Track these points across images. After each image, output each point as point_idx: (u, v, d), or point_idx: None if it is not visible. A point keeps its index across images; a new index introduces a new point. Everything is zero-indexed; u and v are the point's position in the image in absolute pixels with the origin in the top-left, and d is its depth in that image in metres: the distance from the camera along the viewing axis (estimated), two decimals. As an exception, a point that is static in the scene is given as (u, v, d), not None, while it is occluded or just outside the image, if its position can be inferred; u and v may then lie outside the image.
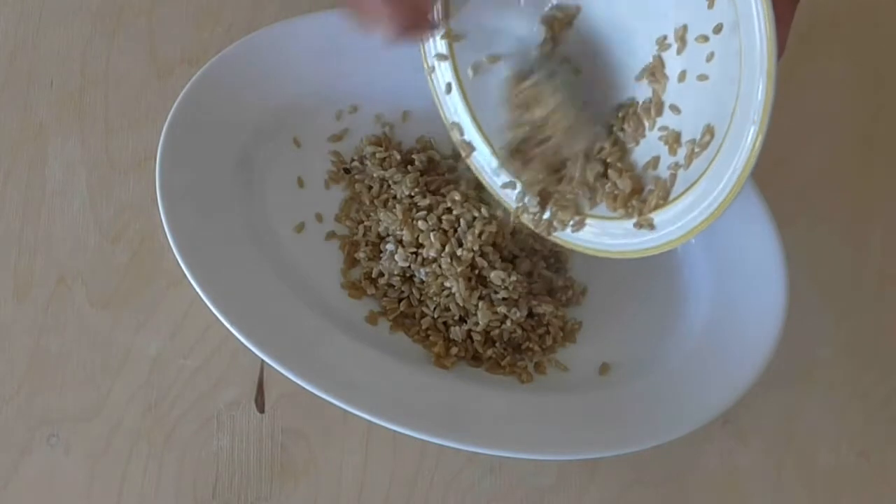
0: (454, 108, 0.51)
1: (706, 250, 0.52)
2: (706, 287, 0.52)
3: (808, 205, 0.56)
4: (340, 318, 0.50)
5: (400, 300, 0.51)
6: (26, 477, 0.49)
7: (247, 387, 0.51)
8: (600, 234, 0.47)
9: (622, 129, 0.45)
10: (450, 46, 0.49)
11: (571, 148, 0.46)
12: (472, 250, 0.50)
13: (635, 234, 0.45)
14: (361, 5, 0.42)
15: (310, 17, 0.54)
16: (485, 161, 0.51)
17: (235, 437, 0.50)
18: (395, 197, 0.53)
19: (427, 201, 0.52)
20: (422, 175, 0.53)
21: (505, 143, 0.47)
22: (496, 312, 0.50)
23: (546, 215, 0.48)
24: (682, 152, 0.43)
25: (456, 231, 0.51)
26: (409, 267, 0.51)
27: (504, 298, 0.50)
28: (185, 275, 0.47)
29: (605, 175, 0.46)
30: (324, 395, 0.46)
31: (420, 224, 0.51)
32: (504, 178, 0.50)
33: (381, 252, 0.52)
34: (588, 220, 0.47)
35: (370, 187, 0.54)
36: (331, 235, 0.53)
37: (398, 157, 0.54)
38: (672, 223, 0.43)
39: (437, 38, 0.49)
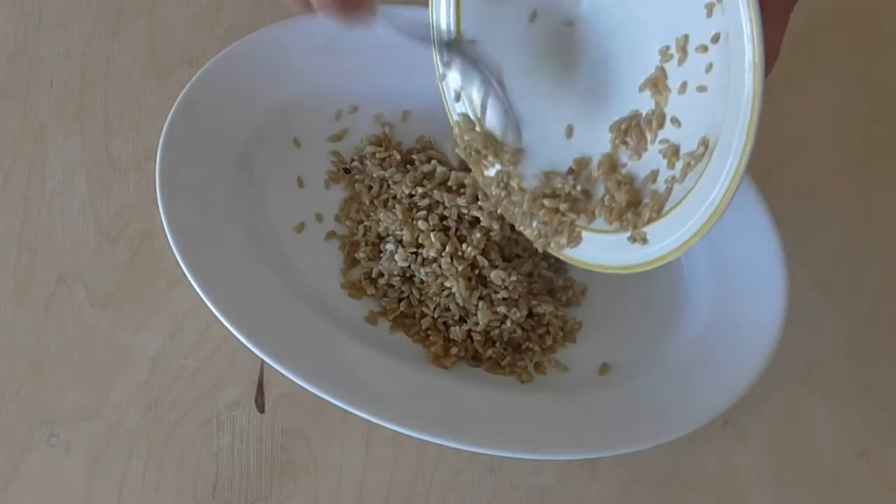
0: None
1: (706, 250, 0.52)
2: (706, 287, 0.52)
3: (808, 205, 0.56)
4: (340, 318, 0.50)
5: (400, 300, 0.51)
6: (26, 477, 0.49)
7: (247, 387, 0.51)
8: (594, 249, 0.46)
9: (625, 142, 0.45)
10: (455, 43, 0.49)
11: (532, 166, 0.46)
12: (476, 247, 0.50)
13: (629, 248, 0.44)
14: None
15: (310, 17, 0.53)
16: None
17: (235, 437, 0.50)
18: (395, 197, 0.53)
19: (427, 201, 0.52)
20: (425, 177, 0.53)
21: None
22: (496, 312, 0.50)
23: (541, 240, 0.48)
24: (679, 165, 0.42)
25: (458, 230, 0.51)
26: (409, 267, 0.51)
27: (504, 298, 0.50)
28: (185, 275, 0.47)
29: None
30: (324, 395, 0.46)
31: (420, 224, 0.51)
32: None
33: (381, 252, 0.52)
34: (585, 235, 0.46)
35: (370, 187, 0.54)
36: (331, 235, 0.53)
37: (398, 157, 0.54)
38: (663, 238, 0.42)
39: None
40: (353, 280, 0.52)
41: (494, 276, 0.50)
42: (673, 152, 0.43)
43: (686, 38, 0.41)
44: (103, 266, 0.53)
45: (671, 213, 0.42)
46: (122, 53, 0.57)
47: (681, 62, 0.42)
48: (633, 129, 0.45)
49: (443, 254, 0.50)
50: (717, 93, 0.40)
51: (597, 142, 0.46)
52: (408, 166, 0.54)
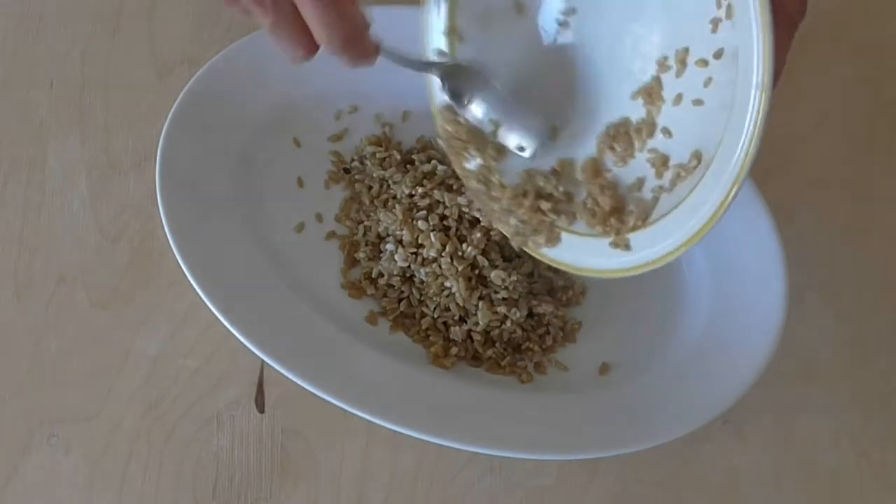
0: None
1: (706, 250, 0.52)
2: (706, 287, 0.52)
3: (808, 205, 0.56)
4: (340, 318, 0.50)
5: (400, 300, 0.51)
6: (26, 477, 0.49)
7: (247, 387, 0.51)
8: (572, 250, 0.46)
9: (612, 148, 0.45)
10: (451, 43, 0.49)
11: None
12: (477, 247, 0.50)
13: (609, 253, 0.44)
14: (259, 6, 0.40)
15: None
16: None
17: (235, 437, 0.50)
18: (395, 197, 0.53)
19: (427, 201, 0.52)
20: (425, 177, 0.53)
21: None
22: (496, 312, 0.50)
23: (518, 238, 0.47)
24: (667, 176, 0.42)
25: (458, 230, 0.51)
26: (409, 267, 0.51)
27: (504, 298, 0.50)
28: (185, 275, 0.47)
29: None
30: (324, 395, 0.46)
31: (420, 224, 0.51)
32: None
33: (381, 252, 0.52)
34: (564, 236, 0.46)
35: (370, 187, 0.54)
36: (331, 235, 0.53)
37: (398, 157, 0.54)
38: (647, 247, 0.42)
39: (440, 34, 0.48)
40: (353, 280, 0.52)
41: (494, 276, 0.50)
42: (662, 162, 0.42)
43: (687, 50, 0.41)
44: (103, 266, 0.53)
45: (658, 223, 0.42)
46: (122, 53, 0.57)
47: (679, 74, 0.42)
48: (621, 136, 0.44)
49: (443, 254, 0.50)
50: (716, 107, 0.39)
51: (582, 145, 0.46)
52: (408, 166, 0.54)
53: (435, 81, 0.49)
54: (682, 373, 0.50)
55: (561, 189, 0.46)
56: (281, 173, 0.53)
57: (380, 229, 0.52)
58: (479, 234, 0.51)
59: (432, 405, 0.48)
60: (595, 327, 0.52)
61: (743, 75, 0.37)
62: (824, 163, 0.58)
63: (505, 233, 0.48)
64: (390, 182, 0.53)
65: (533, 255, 0.47)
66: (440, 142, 0.49)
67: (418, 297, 0.51)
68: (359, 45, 0.41)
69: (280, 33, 0.40)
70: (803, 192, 0.56)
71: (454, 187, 0.52)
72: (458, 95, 0.47)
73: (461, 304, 0.50)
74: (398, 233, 0.51)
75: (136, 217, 0.54)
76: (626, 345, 0.51)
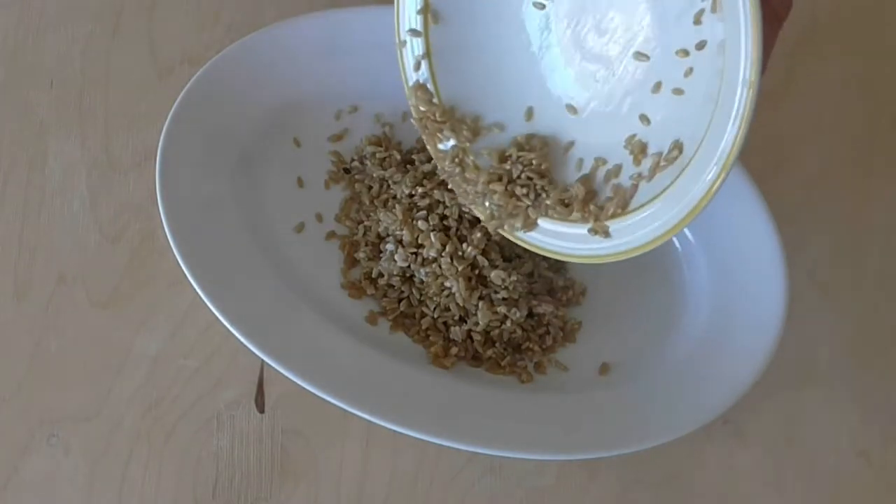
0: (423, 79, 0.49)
1: (706, 250, 0.52)
2: (706, 287, 0.52)
3: (808, 205, 0.56)
4: (340, 318, 0.50)
5: (400, 300, 0.51)
6: (26, 477, 0.49)
7: (247, 387, 0.51)
8: (552, 236, 0.46)
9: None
10: (425, 24, 0.48)
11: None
12: (477, 247, 0.50)
13: (588, 239, 0.44)
14: None
15: (310, 17, 0.54)
16: None
17: (235, 437, 0.50)
18: (395, 197, 0.53)
19: (427, 201, 0.52)
20: (425, 177, 0.53)
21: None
22: (496, 312, 0.50)
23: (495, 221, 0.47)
24: (646, 164, 0.42)
25: (458, 230, 0.51)
26: (409, 267, 0.51)
27: (504, 298, 0.50)
28: (185, 275, 0.47)
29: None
30: (324, 395, 0.46)
31: (420, 224, 0.51)
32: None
33: (381, 252, 0.52)
34: (541, 221, 0.46)
35: (370, 187, 0.54)
36: (331, 235, 0.53)
37: (398, 157, 0.54)
38: (627, 234, 0.42)
39: (414, 12, 0.47)
40: (353, 280, 0.52)
41: (494, 276, 0.50)
42: (640, 149, 0.42)
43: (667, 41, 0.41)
44: (103, 266, 0.53)
45: (638, 211, 0.42)
46: (122, 53, 0.57)
47: (657, 62, 0.42)
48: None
49: (443, 254, 0.50)
50: (699, 99, 0.39)
51: (561, 129, 0.46)
52: (408, 166, 0.54)
53: (408, 59, 0.49)
54: (682, 373, 0.50)
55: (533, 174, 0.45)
56: (281, 173, 0.53)
57: (380, 229, 0.52)
58: (479, 234, 0.51)
59: (432, 405, 0.48)
60: (595, 327, 0.52)
61: (730, 69, 0.37)
62: (824, 163, 0.58)
63: (480, 216, 0.48)
64: (390, 182, 0.53)
65: (509, 237, 0.47)
66: (413, 122, 0.49)
67: (418, 297, 0.51)
68: None
69: None
70: (803, 192, 0.56)
71: (454, 187, 0.52)
72: None
73: (461, 304, 0.50)
74: (398, 233, 0.51)
75: (136, 217, 0.54)
76: (626, 345, 0.51)
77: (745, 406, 0.48)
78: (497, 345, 0.50)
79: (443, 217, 0.51)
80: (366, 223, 0.53)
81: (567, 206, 0.44)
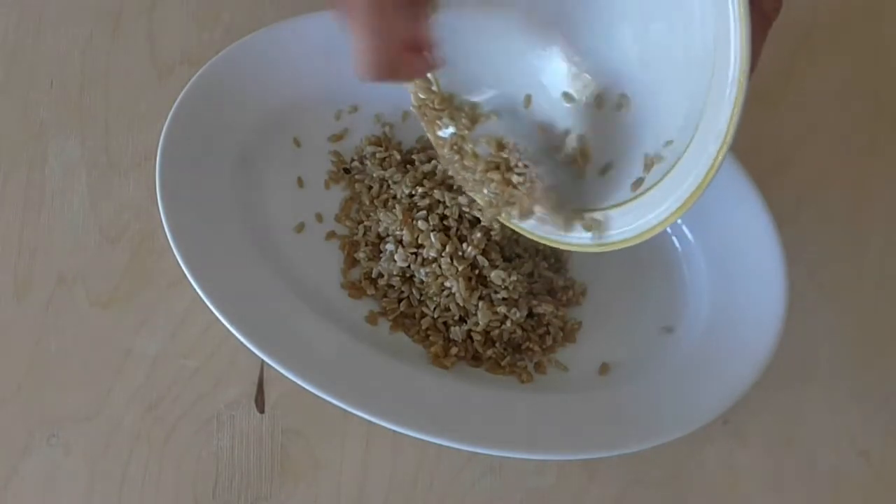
0: None
1: (706, 250, 0.52)
2: (706, 287, 0.52)
3: (808, 205, 0.56)
4: (340, 318, 0.50)
5: (400, 300, 0.51)
6: (26, 477, 0.49)
7: (247, 387, 0.51)
8: (545, 225, 0.46)
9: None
10: None
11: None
12: (477, 247, 0.50)
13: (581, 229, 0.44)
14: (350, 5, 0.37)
15: (309, 17, 0.54)
16: None
17: (235, 437, 0.50)
18: (395, 197, 0.53)
19: (427, 201, 0.52)
20: (425, 177, 0.53)
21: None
22: (496, 312, 0.50)
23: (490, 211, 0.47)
24: (639, 159, 0.42)
25: (458, 230, 0.51)
26: (409, 267, 0.51)
27: (504, 298, 0.50)
28: (185, 275, 0.47)
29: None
30: (324, 395, 0.46)
31: (420, 224, 0.51)
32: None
33: (381, 252, 0.52)
34: (538, 209, 0.46)
35: (370, 187, 0.54)
36: (331, 235, 0.53)
37: (398, 157, 0.54)
38: (621, 225, 0.42)
39: None
40: (353, 280, 0.52)
41: (494, 276, 0.50)
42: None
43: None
44: (103, 266, 0.53)
45: (630, 203, 0.42)
46: (122, 53, 0.57)
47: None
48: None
49: (443, 254, 0.50)
50: (689, 97, 0.39)
51: (560, 117, 0.46)
52: (408, 166, 0.54)
53: None
54: (682, 373, 0.50)
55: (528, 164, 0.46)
56: (281, 173, 0.53)
57: (380, 229, 0.52)
58: (479, 234, 0.51)
59: (432, 405, 0.48)
60: (595, 327, 0.52)
61: (719, 69, 0.37)
62: (824, 163, 0.58)
63: (479, 202, 0.48)
64: (390, 182, 0.53)
65: (506, 224, 0.47)
66: (412, 109, 0.48)
67: (418, 297, 0.51)
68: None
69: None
70: (803, 192, 0.56)
71: (454, 187, 0.52)
72: None
73: (461, 304, 0.50)
74: (398, 233, 0.51)
75: (136, 217, 0.54)
76: (626, 345, 0.51)
77: (745, 406, 0.48)
78: (497, 345, 0.50)
79: (443, 217, 0.51)
80: (366, 223, 0.53)
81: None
